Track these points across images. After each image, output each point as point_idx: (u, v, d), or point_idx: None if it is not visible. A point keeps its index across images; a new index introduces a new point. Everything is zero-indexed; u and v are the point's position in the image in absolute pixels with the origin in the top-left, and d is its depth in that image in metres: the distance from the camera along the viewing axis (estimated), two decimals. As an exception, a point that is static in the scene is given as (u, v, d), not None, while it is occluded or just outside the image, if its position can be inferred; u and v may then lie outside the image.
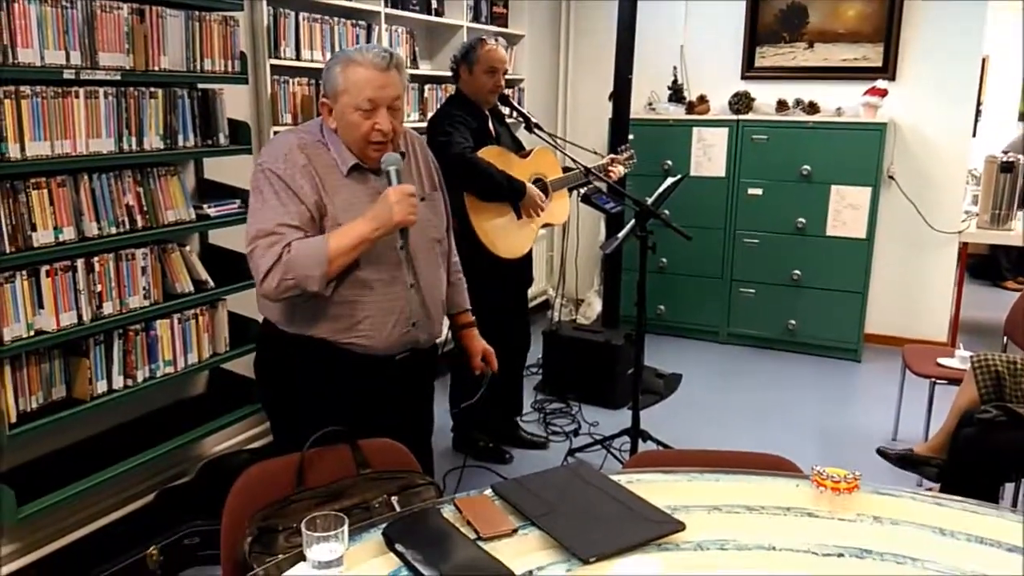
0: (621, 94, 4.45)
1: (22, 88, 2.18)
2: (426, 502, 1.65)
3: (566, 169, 3.51)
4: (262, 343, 2.12)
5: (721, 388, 4.52)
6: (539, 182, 3.33)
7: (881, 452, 3.17)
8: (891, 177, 4.96)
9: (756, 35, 5.22)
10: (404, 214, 1.85)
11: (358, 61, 1.88)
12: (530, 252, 3.41)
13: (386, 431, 1.88)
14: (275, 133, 3.33)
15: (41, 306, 2.30)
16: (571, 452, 3.56)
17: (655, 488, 1.62)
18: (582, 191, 3.55)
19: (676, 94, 5.32)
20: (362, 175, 1.97)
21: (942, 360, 3.47)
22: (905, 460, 3.07)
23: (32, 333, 2.27)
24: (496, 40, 3.28)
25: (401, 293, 1.99)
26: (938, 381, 3.39)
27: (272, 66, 3.31)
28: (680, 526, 1.45)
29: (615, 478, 1.65)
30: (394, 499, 1.67)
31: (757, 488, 1.64)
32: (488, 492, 1.58)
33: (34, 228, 2.25)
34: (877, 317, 5.09)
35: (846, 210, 4.82)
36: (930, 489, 2.89)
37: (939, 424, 3.12)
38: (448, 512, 1.51)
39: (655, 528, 1.44)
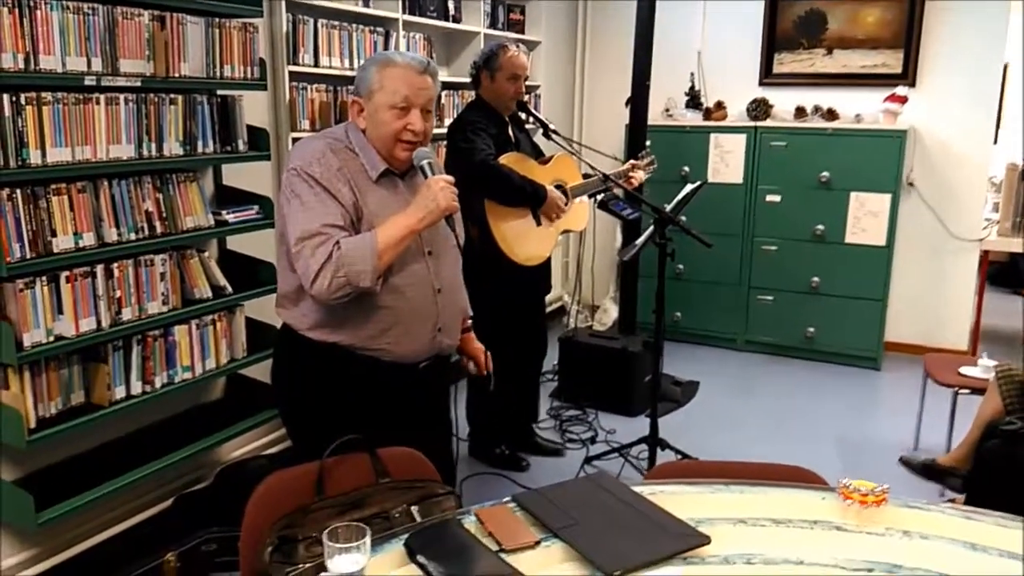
0: (638, 100, 4.43)
1: (44, 94, 2.19)
2: (446, 512, 1.63)
3: (586, 176, 3.49)
4: (281, 349, 2.09)
5: (739, 396, 4.48)
6: (559, 188, 3.31)
7: (904, 461, 3.13)
8: (911, 184, 4.92)
9: (774, 41, 5.19)
10: (449, 201, 1.88)
11: (396, 62, 1.92)
12: (549, 258, 3.39)
13: (407, 439, 1.87)
14: (293, 140, 3.33)
15: (60, 312, 2.30)
16: (588, 460, 3.54)
17: (679, 500, 1.59)
18: (598, 197, 3.53)
19: (693, 100, 5.30)
20: (391, 180, 1.98)
21: (964, 369, 3.43)
22: (929, 470, 3.03)
23: (51, 339, 2.27)
24: (518, 46, 3.28)
25: (430, 299, 1.99)
26: (960, 391, 3.34)
27: (291, 72, 3.31)
28: (706, 539, 1.42)
29: (637, 489, 1.63)
30: (414, 509, 1.65)
31: (783, 501, 1.61)
32: (509, 503, 1.57)
33: (54, 234, 2.26)
34: (897, 325, 5.04)
35: (865, 217, 4.78)
36: (952, 500, 2.85)
37: (961, 434, 3.08)
38: (469, 523, 1.49)
39: (680, 541, 1.42)
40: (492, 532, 1.44)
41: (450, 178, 1.92)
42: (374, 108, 1.92)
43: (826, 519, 1.54)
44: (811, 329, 5.00)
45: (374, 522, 1.58)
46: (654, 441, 3.29)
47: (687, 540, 1.42)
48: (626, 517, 1.51)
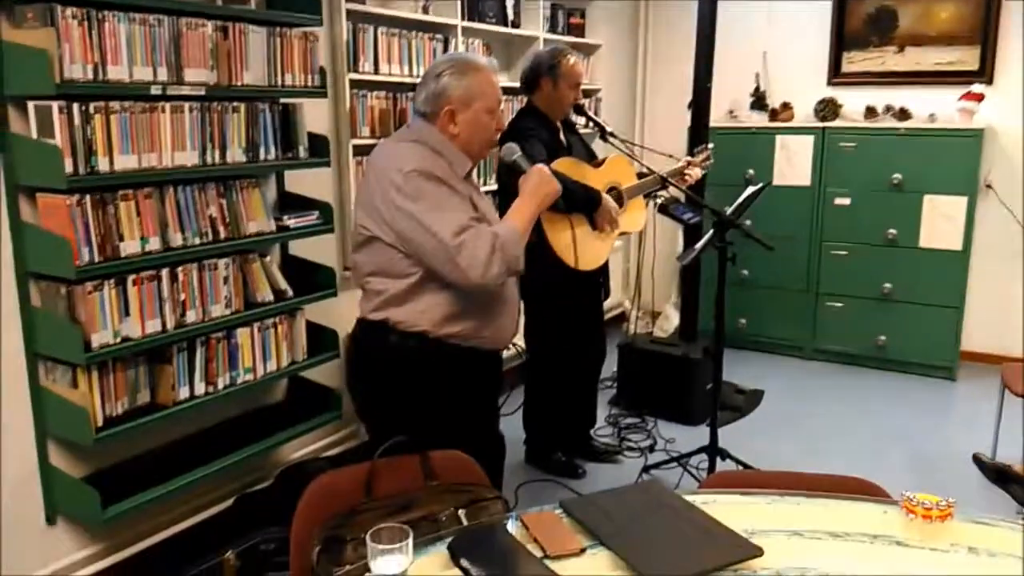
0: (699, 102, 4.35)
1: (112, 104, 2.26)
2: (493, 517, 1.62)
3: (640, 176, 3.43)
4: (376, 348, 2.10)
5: (805, 406, 4.35)
6: (613, 191, 3.27)
7: (977, 459, 2.98)
8: (989, 186, 4.71)
9: (843, 40, 5.05)
10: (555, 186, 2.10)
11: (484, 67, 2.07)
12: (606, 262, 3.35)
13: (490, 425, 2.10)
14: (354, 147, 3.38)
15: (127, 314, 2.38)
16: (646, 468, 3.48)
17: (732, 510, 1.54)
18: (658, 202, 3.47)
19: (759, 101, 5.19)
20: (469, 177, 2.13)
21: (1046, 380, 3.25)
22: (1000, 474, 2.89)
23: (118, 340, 2.35)
24: (572, 52, 3.26)
25: (513, 288, 2.16)
26: (1042, 403, 3.18)
27: (351, 80, 3.36)
28: (758, 551, 1.37)
29: (690, 498, 1.58)
30: (461, 512, 1.64)
31: (842, 513, 1.55)
32: (556, 509, 1.54)
33: (121, 238, 2.33)
34: (974, 333, 4.83)
35: (940, 221, 4.59)
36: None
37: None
38: (514, 528, 1.48)
39: (731, 553, 1.37)
40: (537, 538, 1.42)
41: (544, 167, 2.13)
42: (473, 114, 2.05)
43: (887, 534, 1.47)
44: (882, 338, 4.82)
45: (421, 525, 1.58)
46: (714, 451, 3.22)
47: (738, 551, 1.38)
48: (676, 526, 1.47)
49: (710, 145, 3.83)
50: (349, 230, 3.38)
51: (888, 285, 4.76)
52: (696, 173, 3.50)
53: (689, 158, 3.61)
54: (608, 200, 3.15)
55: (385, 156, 2.08)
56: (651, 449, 3.76)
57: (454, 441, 1.89)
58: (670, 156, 3.66)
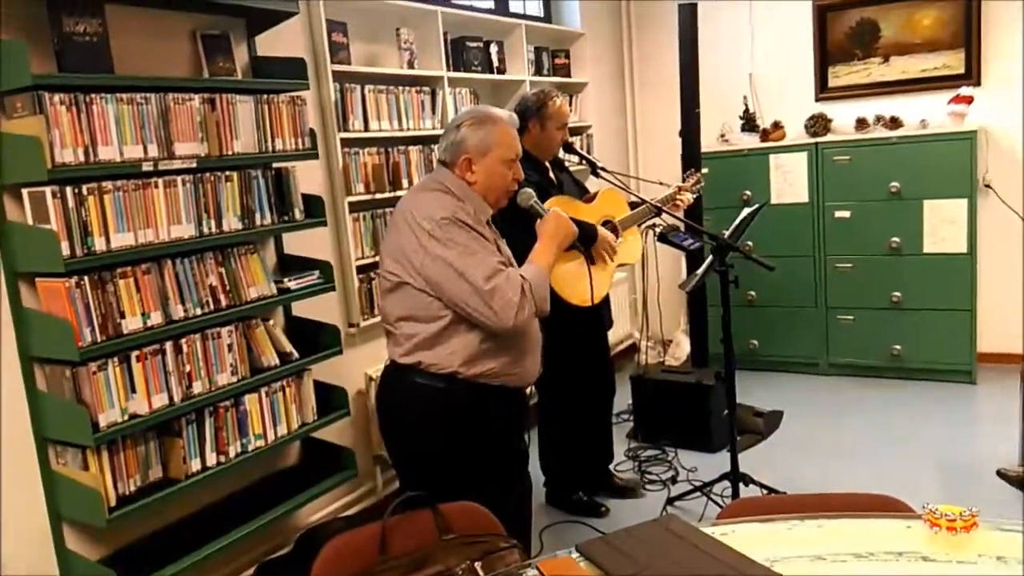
0: (689, 127, 4.38)
1: (104, 184, 2.29)
2: (509, 567, 1.59)
3: (632, 205, 3.44)
4: (409, 393, 2.15)
5: (825, 423, 4.29)
6: (608, 223, 3.28)
7: (1001, 474, 2.93)
8: (988, 186, 4.69)
9: (827, 55, 5.09)
10: (572, 228, 2.25)
11: (503, 120, 2.18)
12: (606, 296, 3.34)
13: (520, 461, 2.22)
14: (350, 204, 3.40)
15: (133, 390, 2.38)
16: (670, 501, 3.43)
17: (752, 539, 1.51)
18: (658, 230, 3.47)
19: (749, 123, 5.21)
20: (489, 223, 2.21)
21: (1067, 376, 3.20)
22: None
23: (126, 418, 2.34)
24: (558, 94, 3.30)
25: (538, 327, 2.23)
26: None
27: (342, 139, 3.39)
28: (780, 580, 1.34)
29: (708, 531, 1.55)
30: (477, 564, 1.62)
31: (864, 532, 1.51)
32: (573, 553, 1.51)
33: (123, 315, 2.34)
34: (990, 334, 4.77)
35: (943, 225, 4.57)
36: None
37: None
38: (531, 576, 1.45)
39: (753, 584, 1.34)
40: (554, 585, 1.40)
41: (560, 211, 2.26)
42: (491, 163, 2.15)
43: (912, 550, 1.43)
44: (897, 347, 4.78)
45: (438, 581, 1.56)
46: (736, 477, 3.17)
47: (760, 582, 1.35)
48: (694, 561, 1.44)
49: (703, 170, 3.84)
50: (351, 287, 3.43)
51: (897, 294, 4.73)
52: (687, 198, 3.51)
53: (680, 185, 3.63)
54: (604, 231, 3.15)
55: (414, 204, 2.15)
56: (673, 480, 3.71)
57: (486, 479, 2.08)
58: (661, 183, 3.67)
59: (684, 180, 3.72)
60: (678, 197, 3.48)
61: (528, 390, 2.40)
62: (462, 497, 1.94)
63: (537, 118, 3.24)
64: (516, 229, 2.41)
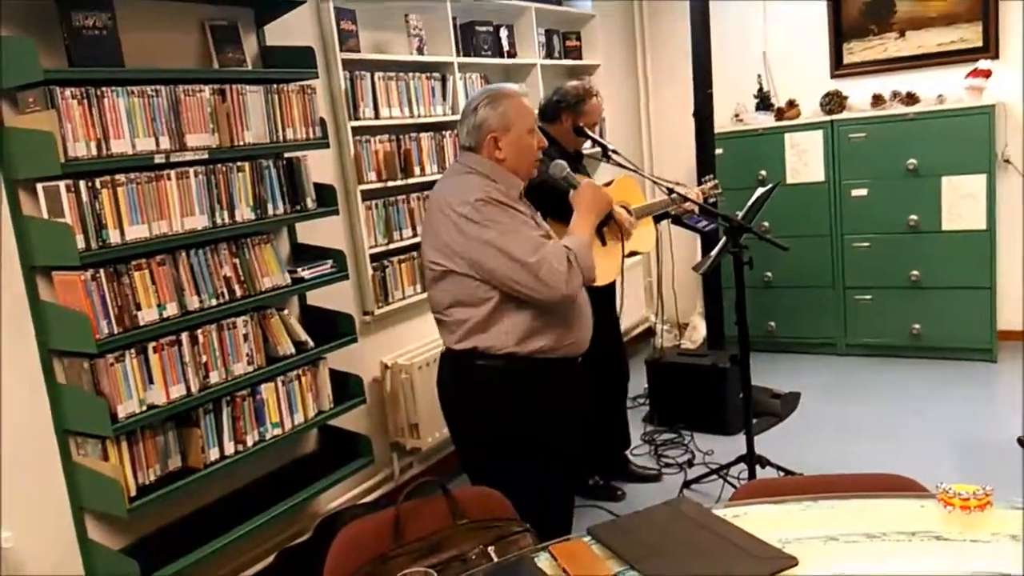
0: (702, 108, 4.34)
1: (117, 177, 2.31)
2: (523, 550, 1.60)
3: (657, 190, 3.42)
4: (470, 376, 2.17)
5: (844, 404, 4.27)
6: (624, 209, 3.25)
7: (1022, 441, 2.90)
8: (1007, 161, 4.62)
9: (841, 31, 5.02)
10: (608, 199, 2.28)
11: (516, 92, 2.19)
12: (614, 281, 3.32)
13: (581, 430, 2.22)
14: (362, 192, 3.41)
15: (151, 381, 2.40)
16: (687, 484, 3.43)
17: (764, 520, 1.51)
18: (672, 213, 3.45)
19: (763, 102, 5.16)
20: (522, 197, 2.23)
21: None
22: None
23: (144, 408, 2.37)
24: (598, 93, 3.31)
25: (586, 294, 2.23)
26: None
27: (353, 128, 3.39)
28: (792, 561, 1.34)
29: (720, 512, 1.55)
30: (491, 549, 1.63)
31: (877, 512, 1.51)
32: (584, 536, 1.52)
33: (139, 307, 2.37)
34: (1010, 312, 4.72)
35: (961, 201, 4.51)
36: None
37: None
38: (543, 560, 1.46)
39: (764, 565, 1.34)
40: (565, 568, 1.40)
41: (593, 182, 2.31)
42: (516, 136, 2.16)
43: (925, 529, 1.43)
44: (917, 326, 4.73)
45: (452, 565, 1.58)
46: (752, 459, 3.16)
47: (772, 564, 1.34)
48: (707, 543, 1.44)
49: (719, 151, 3.80)
50: (365, 276, 3.44)
51: (916, 272, 4.68)
52: (700, 191, 3.50)
53: (698, 190, 3.59)
54: (620, 209, 3.13)
55: (446, 191, 2.16)
56: (690, 464, 3.70)
57: (555, 450, 2.18)
58: (678, 184, 3.64)
59: (700, 184, 3.69)
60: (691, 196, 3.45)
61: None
62: (529, 475, 2.09)
63: (573, 112, 3.24)
64: (538, 204, 2.41)
